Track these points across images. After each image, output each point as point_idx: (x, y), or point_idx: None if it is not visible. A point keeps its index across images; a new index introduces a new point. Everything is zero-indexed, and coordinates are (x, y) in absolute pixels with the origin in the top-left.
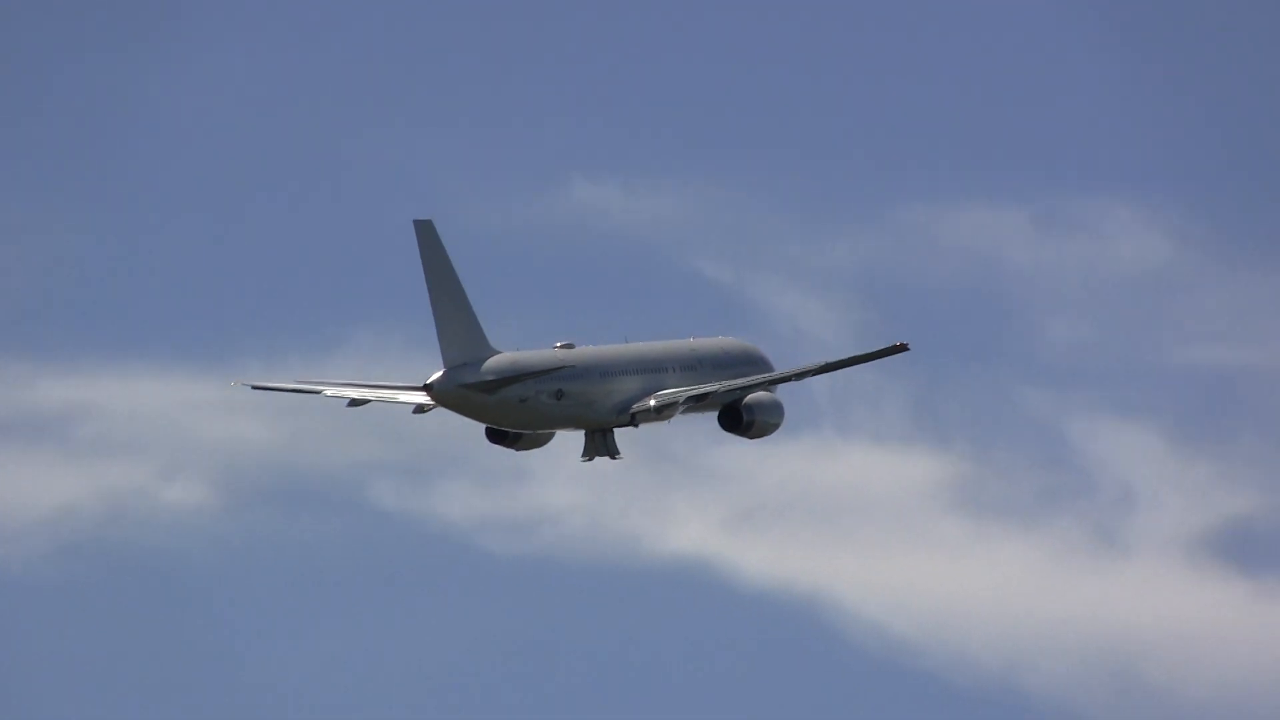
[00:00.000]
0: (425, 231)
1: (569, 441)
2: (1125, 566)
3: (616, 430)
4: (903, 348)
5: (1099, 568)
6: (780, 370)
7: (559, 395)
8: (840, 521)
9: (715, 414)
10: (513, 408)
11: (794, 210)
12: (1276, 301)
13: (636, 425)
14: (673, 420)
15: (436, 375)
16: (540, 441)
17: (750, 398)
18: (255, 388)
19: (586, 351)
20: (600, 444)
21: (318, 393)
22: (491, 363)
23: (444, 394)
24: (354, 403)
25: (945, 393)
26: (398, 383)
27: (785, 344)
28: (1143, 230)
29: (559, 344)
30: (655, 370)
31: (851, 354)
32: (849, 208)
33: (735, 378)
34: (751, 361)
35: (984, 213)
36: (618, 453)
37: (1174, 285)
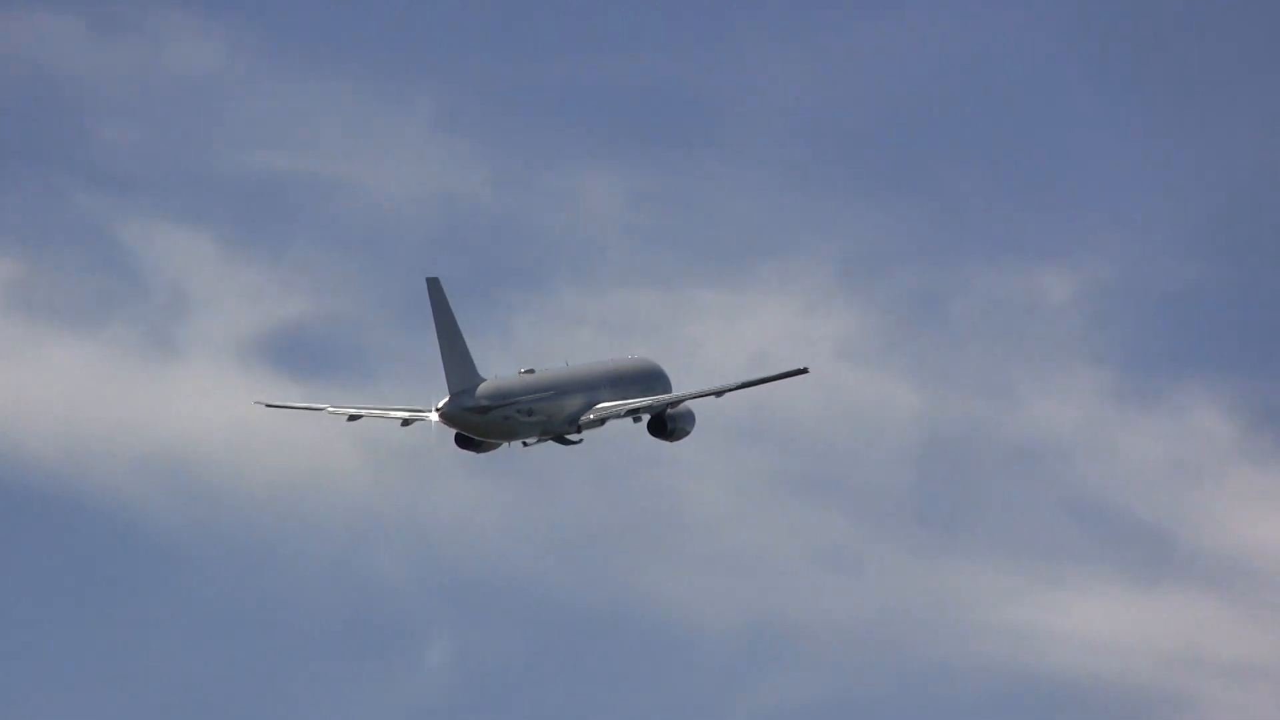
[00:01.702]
0: (434, 287)
1: None
2: (180, 370)
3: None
4: (803, 371)
5: (154, 371)
6: (700, 389)
7: (530, 413)
8: None
9: (632, 418)
10: (498, 423)
11: None
12: (323, 107)
13: (581, 432)
14: (605, 425)
15: (445, 401)
16: (495, 446)
17: (672, 410)
18: (268, 406)
19: (545, 376)
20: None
21: (321, 410)
22: (483, 388)
23: (450, 415)
24: (352, 418)
25: None
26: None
27: None
28: (195, 35)
29: (522, 370)
30: (592, 388)
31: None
32: None
33: (646, 391)
34: (656, 376)
35: (39, 17)
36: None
37: (227, 90)
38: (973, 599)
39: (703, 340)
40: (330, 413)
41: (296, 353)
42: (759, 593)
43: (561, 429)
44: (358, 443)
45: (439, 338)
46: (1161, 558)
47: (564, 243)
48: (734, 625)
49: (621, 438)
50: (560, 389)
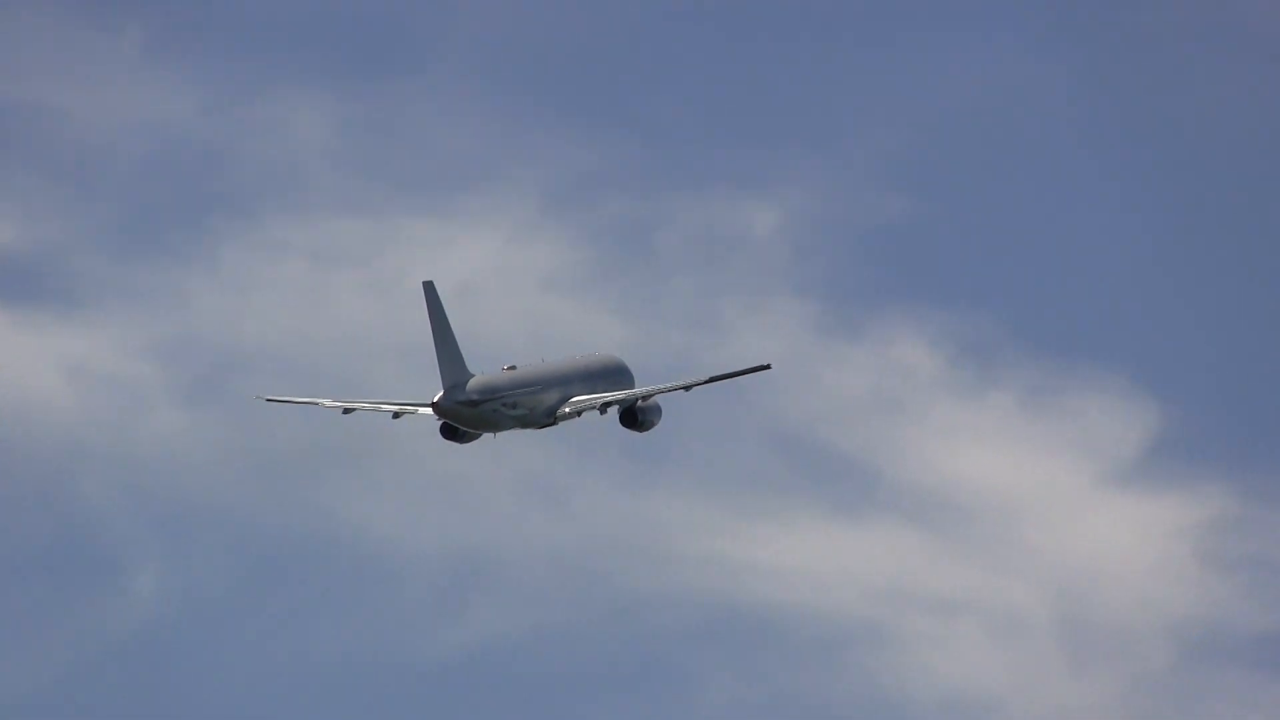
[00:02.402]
0: (429, 290)
1: None
2: None
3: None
4: (766, 367)
5: None
6: (669, 383)
7: (514, 406)
8: None
9: (598, 410)
10: (486, 416)
11: None
12: (32, 35)
13: (556, 424)
14: (582, 416)
15: (440, 395)
16: (477, 437)
17: (641, 404)
18: (269, 400)
19: (525, 372)
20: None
21: (318, 404)
22: (472, 383)
23: (445, 408)
24: (346, 411)
25: None
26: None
27: None
28: None
29: (505, 367)
30: (567, 383)
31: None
32: None
33: (613, 384)
34: (622, 371)
35: None
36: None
37: None
38: (676, 530)
39: (410, 269)
40: (327, 406)
41: (5, 280)
42: (463, 523)
43: (540, 421)
44: (62, 370)
45: (434, 336)
46: (864, 490)
47: (273, 171)
48: (438, 555)
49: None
50: (540, 384)
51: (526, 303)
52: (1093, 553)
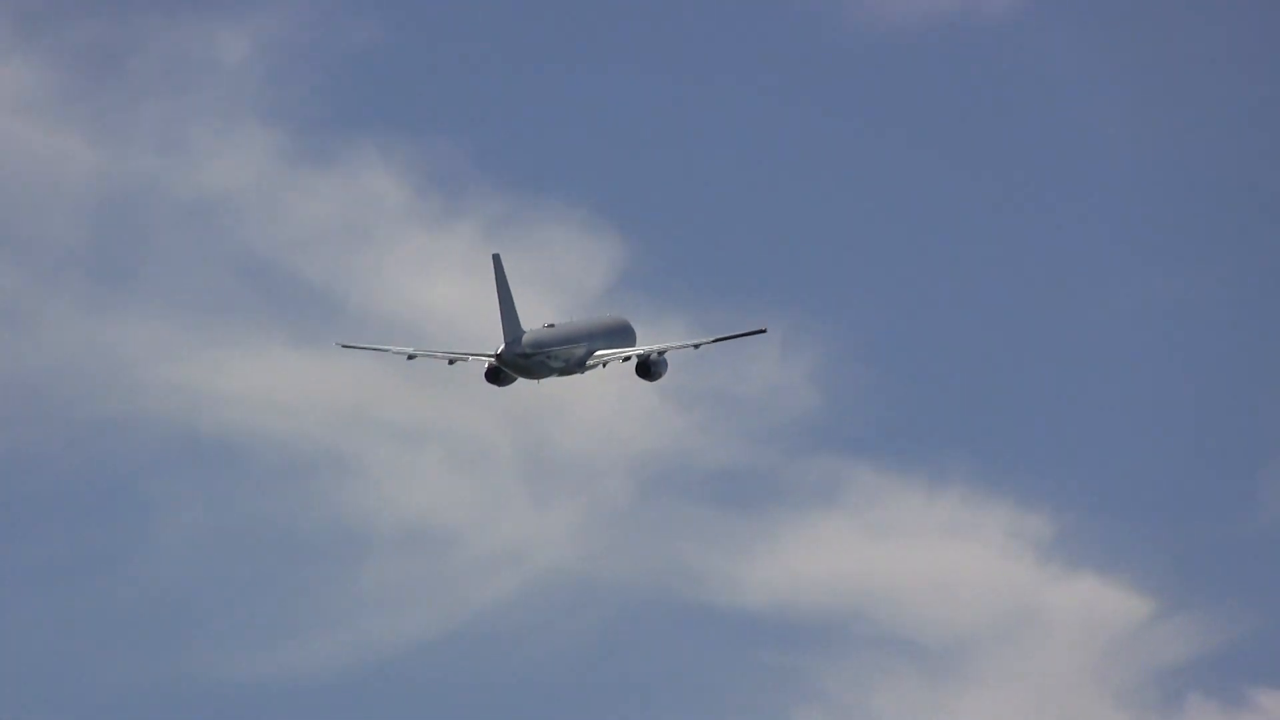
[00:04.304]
0: (496, 261)
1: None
2: None
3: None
4: (762, 330)
5: None
6: (678, 342)
7: (555, 358)
8: None
9: (619, 360)
10: (534, 365)
11: None
12: None
13: (584, 372)
14: (605, 366)
15: (502, 348)
16: (513, 381)
17: (654, 358)
18: (345, 346)
19: (561, 329)
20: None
21: (386, 350)
22: (526, 338)
23: (506, 359)
24: (410, 357)
25: None
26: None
27: None
28: None
29: (546, 324)
30: (593, 338)
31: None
32: None
33: (623, 340)
34: (629, 329)
35: None
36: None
37: None
38: (142, 356)
39: None
40: (394, 352)
41: None
42: None
43: (572, 370)
44: None
45: (499, 299)
46: (330, 318)
47: None
48: None
49: None
50: (574, 339)
51: None
52: (554, 387)
